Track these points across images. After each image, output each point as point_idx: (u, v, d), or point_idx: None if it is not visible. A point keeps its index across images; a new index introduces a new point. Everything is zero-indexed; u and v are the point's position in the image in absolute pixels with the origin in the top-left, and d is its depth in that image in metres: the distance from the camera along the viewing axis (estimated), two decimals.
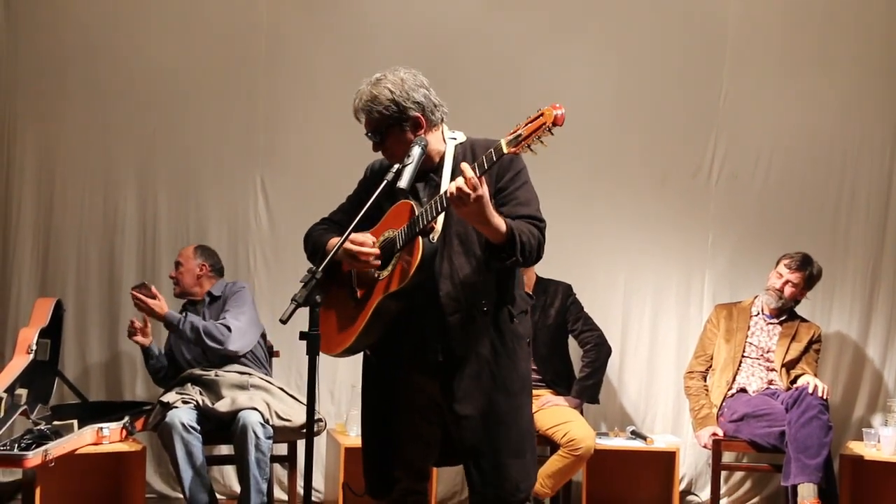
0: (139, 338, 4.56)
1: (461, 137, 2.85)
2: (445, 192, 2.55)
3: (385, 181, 2.67)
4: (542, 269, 4.77)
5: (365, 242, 2.74)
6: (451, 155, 2.79)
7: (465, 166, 2.46)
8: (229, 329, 4.32)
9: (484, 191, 2.48)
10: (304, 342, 2.49)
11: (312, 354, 2.48)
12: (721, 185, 5.37)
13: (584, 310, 4.90)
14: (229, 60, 5.25)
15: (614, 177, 5.35)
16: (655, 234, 5.37)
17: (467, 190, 2.44)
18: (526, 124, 2.41)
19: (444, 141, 2.82)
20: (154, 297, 4.32)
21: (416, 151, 2.69)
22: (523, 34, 5.31)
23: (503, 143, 2.44)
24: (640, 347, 5.37)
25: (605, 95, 5.35)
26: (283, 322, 2.45)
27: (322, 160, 5.19)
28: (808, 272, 4.79)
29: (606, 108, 5.34)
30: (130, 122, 5.23)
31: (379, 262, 2.75)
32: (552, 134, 2.37)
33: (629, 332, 5.36)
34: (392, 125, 2.77)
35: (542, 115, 2.38)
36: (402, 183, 2.62)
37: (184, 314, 4.45)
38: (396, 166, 2.68)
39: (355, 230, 2.69)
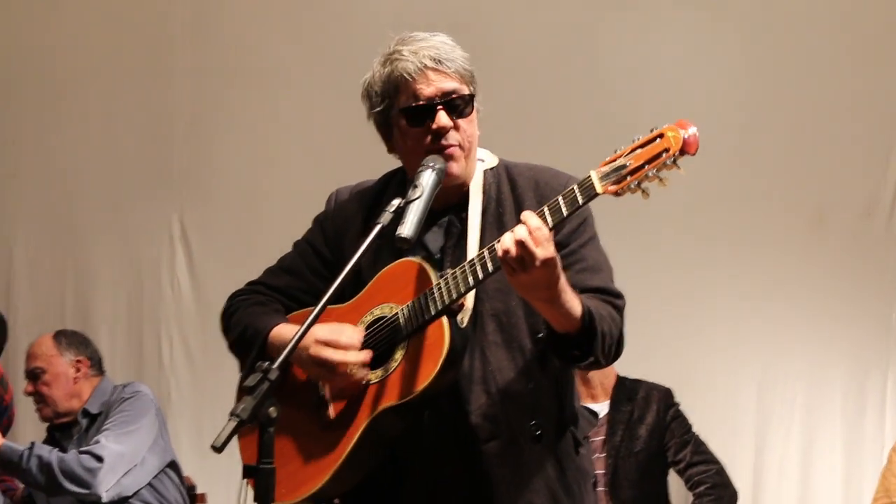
0: None
1: (491, 160, 2.86)
2: (490, 250, 2.52)
3: (378, 224, 2.59)
4: (626, 365, 4.47)
5: (351, 345, 2.67)
6: (478, 187, 2.79)
7: (528, 214, 2.46)
8: (100, 459, 4.20)
9: (553, 251, 2.45)
10: (250, 482, 2.42)
11: (264, 502, 2.41)
12: None
13: (693, 430, 4.91)
14: (133, 34, 5.28)
15: (738, 219, 5.40)
16: (806, 309, 5.38)
17: (532, 248, 2.41)
18: (633, 150, 2.41)
19: None
20: None
21: (427, 179, 2.64)
22: None
23: (595, 178, 2.44)
24: (785, 490, 5.35)
25: (723, 90, 5.42)
26: (217, 450, 2.36)
27: (277, 191, 5.35)
28: None
29: (724, 111, 5.37)
30: None
31: (366, 375, 2.69)
32: (678, 168, 2.38)
33: (767, 467, 5.37)
34: (471, 101, 2.75)
35: (660, 136, 2.39)
36: (406, 230, 2.56)
37: (30, 446, 4.29)
38: (395, 202, 2.62)
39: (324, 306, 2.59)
